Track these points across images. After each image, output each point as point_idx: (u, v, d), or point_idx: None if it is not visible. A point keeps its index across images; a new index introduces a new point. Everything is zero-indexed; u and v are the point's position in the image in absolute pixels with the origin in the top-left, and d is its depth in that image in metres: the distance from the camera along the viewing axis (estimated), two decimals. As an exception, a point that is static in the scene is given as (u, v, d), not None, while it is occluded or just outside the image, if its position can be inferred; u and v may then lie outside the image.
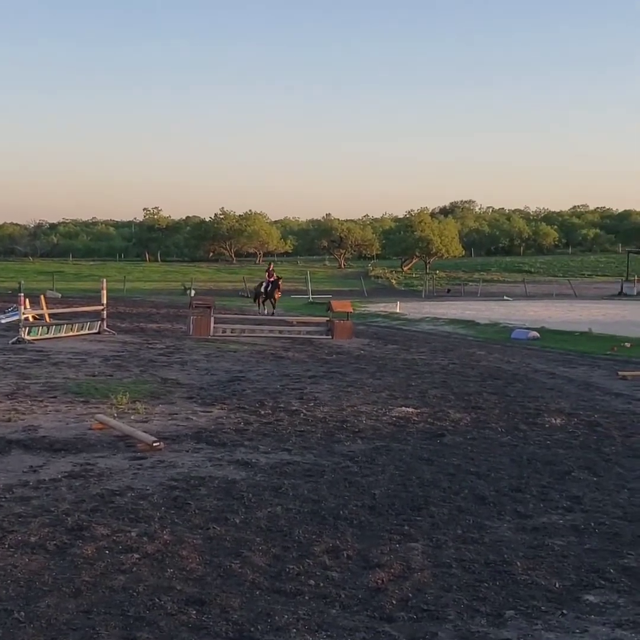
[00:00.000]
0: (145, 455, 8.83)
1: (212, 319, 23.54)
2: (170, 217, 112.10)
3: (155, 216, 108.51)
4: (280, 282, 33.19)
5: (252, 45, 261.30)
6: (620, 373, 16.26)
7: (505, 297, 53.82)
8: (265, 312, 33.17)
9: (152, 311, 34.92)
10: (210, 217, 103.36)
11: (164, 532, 6.28)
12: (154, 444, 9.06)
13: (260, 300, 34.20)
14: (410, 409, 11.89)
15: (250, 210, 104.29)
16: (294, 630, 4.66)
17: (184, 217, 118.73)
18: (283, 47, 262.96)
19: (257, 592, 5.20)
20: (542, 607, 5.07)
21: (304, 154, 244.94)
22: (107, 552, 5.83)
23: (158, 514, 6.75)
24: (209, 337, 22.63)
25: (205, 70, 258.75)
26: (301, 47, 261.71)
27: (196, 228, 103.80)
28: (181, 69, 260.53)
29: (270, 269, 34.71)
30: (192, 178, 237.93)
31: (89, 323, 23.03)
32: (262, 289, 33.90)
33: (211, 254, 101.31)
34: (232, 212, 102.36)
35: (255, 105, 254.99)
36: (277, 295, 33.31)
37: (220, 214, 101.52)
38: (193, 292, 50.46)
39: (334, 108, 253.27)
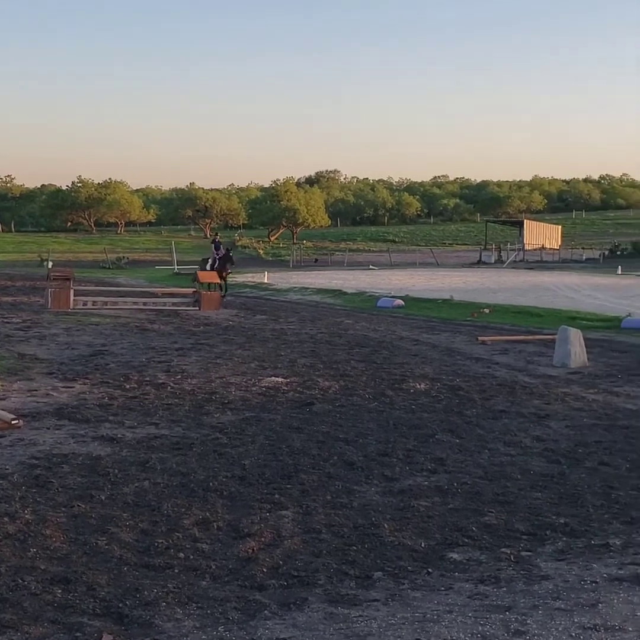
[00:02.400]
0: (3, 433, 8.50)
1: (72, 291, 22.88)
2: (24, 185, 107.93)
3: (8, 184, 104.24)
4: (231, 255, 27.69)
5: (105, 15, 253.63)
6: (480, 338, 16.81)
7: (371, 266, 54.66)
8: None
9: (6, 284, 33.57)
10: (68, 186, 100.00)
11: (26, 511, 6.07)
12: (13, 422, 8.73)
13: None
14: (279, 379, 11.92)
15: (110, 179, 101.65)
16: (164, 603, 4.61)
17: (39, 186, 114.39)
18: (140, 14, 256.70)
19: (125, 568, 5.11)
20: (409, 567, 5.19)
21: (165, 121, 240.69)
22: (-35, 535, 5.60)
23: (19, 493, 6.52)
24: (69, 310, 21.97)
25: (63, 32, 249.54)
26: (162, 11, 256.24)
27: (52, 197, 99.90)
28: (37, 28, 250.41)
29: (217, 239, 29.14)
30: (48, 145, 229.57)
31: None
32: (208, 267, 27.86)
33: (69, 224, 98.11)
34: (90, 181, 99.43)
35: (113, 70, 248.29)
36: (226, 273, 27.28)
37: (78, 183, 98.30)
38: (50, 263, 48.73)
39: (195, 73, 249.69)
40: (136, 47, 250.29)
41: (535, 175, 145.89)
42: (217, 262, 27.17)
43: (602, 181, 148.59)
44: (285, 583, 4.94)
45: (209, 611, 4.53)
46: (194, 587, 4.86)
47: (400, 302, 25.36)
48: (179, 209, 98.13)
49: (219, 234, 31.57)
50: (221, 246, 27.98)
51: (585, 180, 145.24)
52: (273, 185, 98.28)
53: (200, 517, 6.06)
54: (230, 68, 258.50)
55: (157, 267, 52.26)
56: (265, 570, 5.11)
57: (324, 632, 4.29)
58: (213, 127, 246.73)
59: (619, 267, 45.61)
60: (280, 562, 5.24)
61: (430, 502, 6.49)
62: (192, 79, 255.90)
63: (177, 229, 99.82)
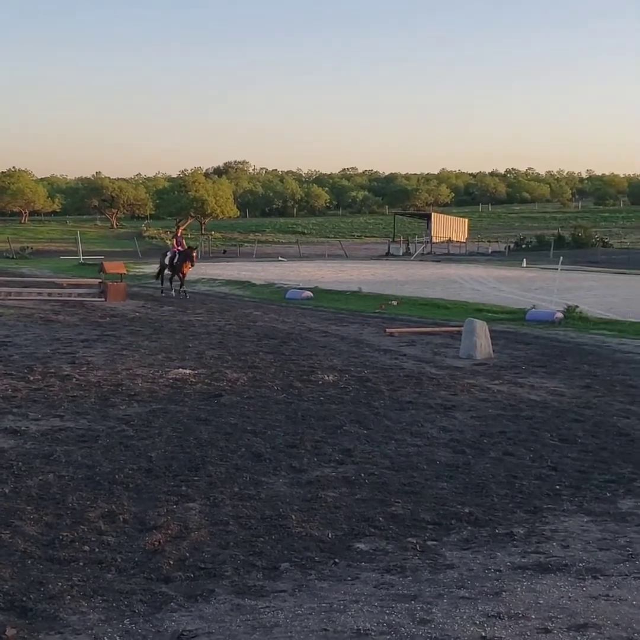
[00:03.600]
0: None
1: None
2: None
3: None
4: (194, 254, 26.12)
5: None
6: (387, 330, 16.98)
7: (280, 258, 54.67)
8: (172, 292, 25.91)
9: None
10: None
11: None
12: None
13: (164, 276, 26.82)
14: (187, 371, 11.83)
15: (13, 168, 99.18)
16: (69, 597, 4.54)
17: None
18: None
19: (29, 562, 5.02)
20: (316, 558, 5.23)
21: (71, 109, 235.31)
22: None
23: None
24: (-29, 300, 21.36)
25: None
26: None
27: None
28: None
29: (179, 234, 27.82)
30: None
31: None
32: (167, 261, 26.24)
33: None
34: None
35: (13, 55, 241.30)
36: (187, 269, 25.76)
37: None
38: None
39: (100, 62, 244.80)
40: (40, 32, 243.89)
41: (443, 169, 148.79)
42: (177, 256, 25.72)
43: (508, 175, 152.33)
44: (192, 575, 4.92)
45: (114, 604, 4.49)
46: (100, 580, 4.81)
47: (309, 293, 25.45)
48: (85, 198, 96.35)
49: (181, 228, 30.53)
50: (183, 241, 27.01)
51: (492, 174, 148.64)
52: (181, 175, 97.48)
53: (106, 509, 5.99)
54: (136, 58, 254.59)
55: (62, 257, 51.18)
56: (171, 562, 5.09)
57: (231, 623, 4.30)
58: (120, 116, 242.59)
59: (524, 260, 46.78)
60: (187, 554, 5.22)
61: (338, 492, 6.55)
62: (96, 67, 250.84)
63: (83, 219, 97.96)
